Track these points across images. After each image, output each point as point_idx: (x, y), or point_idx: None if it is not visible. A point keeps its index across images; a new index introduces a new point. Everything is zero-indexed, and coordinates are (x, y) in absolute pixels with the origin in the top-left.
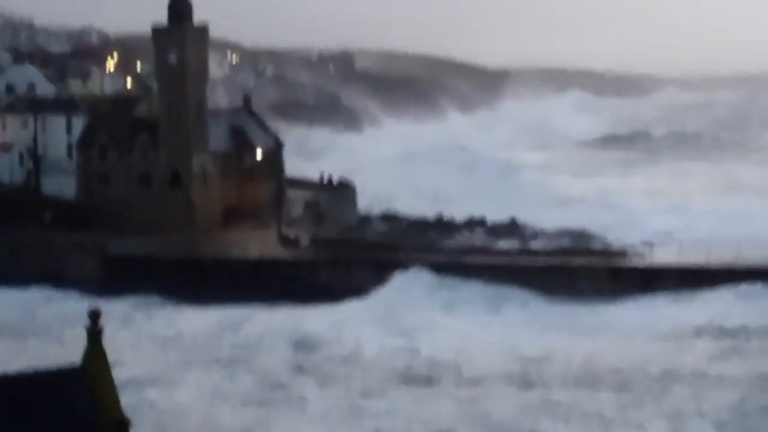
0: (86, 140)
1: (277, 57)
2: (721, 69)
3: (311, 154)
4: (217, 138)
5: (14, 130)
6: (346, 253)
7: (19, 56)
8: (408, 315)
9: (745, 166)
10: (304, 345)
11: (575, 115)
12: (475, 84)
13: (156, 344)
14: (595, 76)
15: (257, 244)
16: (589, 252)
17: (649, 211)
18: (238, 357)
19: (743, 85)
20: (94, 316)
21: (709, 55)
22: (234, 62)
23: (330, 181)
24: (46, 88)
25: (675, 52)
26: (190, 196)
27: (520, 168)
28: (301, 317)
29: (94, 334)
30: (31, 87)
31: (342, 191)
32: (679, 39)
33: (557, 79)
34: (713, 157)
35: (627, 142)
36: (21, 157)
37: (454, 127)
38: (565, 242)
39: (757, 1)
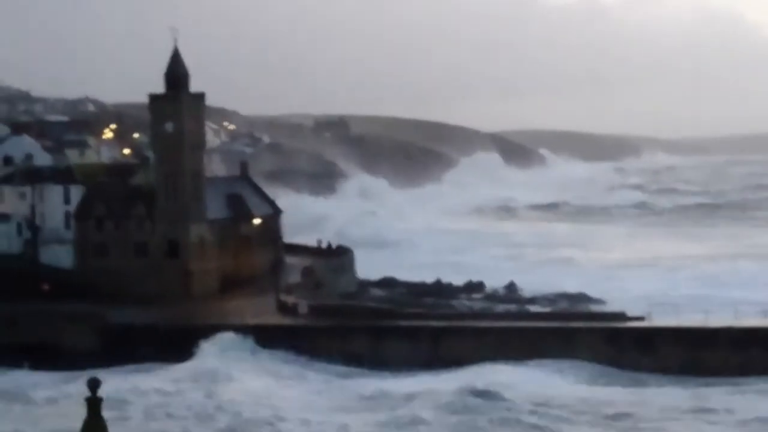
0: (83, 210)
1: (273, 124)
2: (711, 131)
3: (309, 220)
4: (215, 206)
5: (12, 200)
6: (345, 320)
7: (16, 127)
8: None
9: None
10: None
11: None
12: (470, 146)
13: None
14: (586, 138)
15: (255, 311)
16: (588, 315)
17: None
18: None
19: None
20: (94, 384)
21: (697, 118)
22: (231, 130)
23: (328, 247)
24: (43, 159)
25: (663, 116)
26: (187, 265)
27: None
28: None
29: (94, 403)
30: (29, 157)
31: (340, 257)
32: (668, 102)
33: (550, 141)
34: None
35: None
36: (19, 227)
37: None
38: (563, 306)
39: (743, 68)
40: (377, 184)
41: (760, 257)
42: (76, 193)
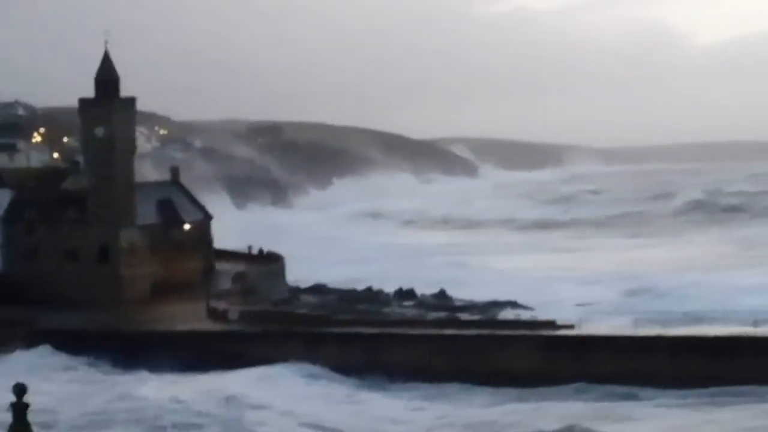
0: (13, 214)
1: (205, 130)
2: (643, 140)
3: (241, 225)
4: (145, 211)
5: None
6: (276, 326)
7: None
8: None
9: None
10: None
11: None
12: (403, 154)
13: None
14: (516, 146)
15: (186, 317)
16: (519, 323)
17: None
18: None
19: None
20: (20, 390)
21: (629, 128)
22: (162, 135)
23: (260, 253)
24: None
25: (595, 125)
26: (118, 270)
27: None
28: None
29: (20, 408)
30: None
31: (271, 263)
32: (599, 111)
33: (480, 148)
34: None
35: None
36: None
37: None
38: (494, 313)
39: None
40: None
41: (673, 269)
42: (5, 197)
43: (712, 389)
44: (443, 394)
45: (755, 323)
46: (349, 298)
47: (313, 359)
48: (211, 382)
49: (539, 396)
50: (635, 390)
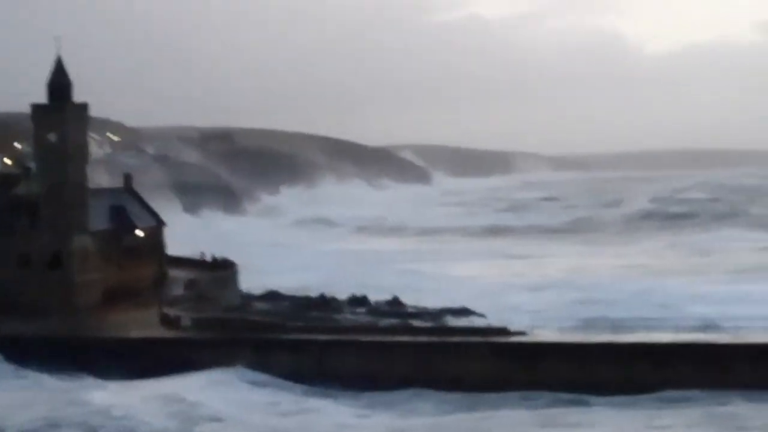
0: None
1: (159, 136)
2: (596, 148)
3: (194, 231)
4: (98, 218)
5: None
6: (228, 332)
7: None
8: None
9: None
10: None
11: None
12: (355, 161)
13: None
14: (467, 153)
15: (138, 323)
16: (471, 330)
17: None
18: None
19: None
20: None
21: (582, 135)
22: (115, 141)
23: (212, 260)
24: None
25: (546, 132)
26: (70, 276)
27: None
28: None
29: None
30: None
31: (223, 270)
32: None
33: (431, 155)
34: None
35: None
36: None
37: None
38: (446, 321)
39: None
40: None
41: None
42: None
43: (660, 394)
44: (393, 401)
45: (703, 329)
46: (301, 305)
47: (265, 366)
48: (161, 389)
49: (490, 403)
50: (585, 396)
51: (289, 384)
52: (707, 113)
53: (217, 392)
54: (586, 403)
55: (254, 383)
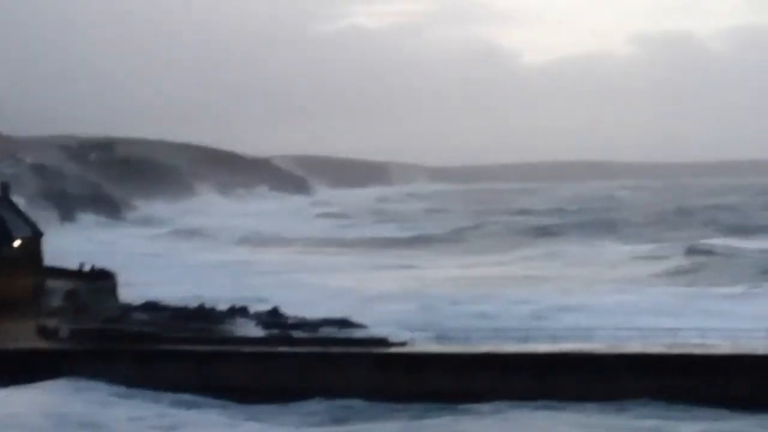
0: None
1: (37, 145)
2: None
3: (72, 242)
4: None
5: None
6: (106, 343)
7: None
8: None
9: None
10: None
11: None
12: (234, 171)
13: None
14: (348, 164)
15: (15, 335)
16: (351, 341)
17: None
18: None
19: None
20: None
21: (465, 146)
22: None
23: (91, 270)
24: None
25: (426, 143)
26: None
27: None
28: None
29: None
30: None
31: (102, 281)
32: (436, 130)
33: (312, 166)
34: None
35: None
36: None
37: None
38: (327, 331)
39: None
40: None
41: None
42: None
43: (538, 403)
44: (263, 412)
45: (581, 339)
46: (181, 315)
47: (143, 377)
48: (32, 399)
49: (362, 414)
50: (465, 406)
51: (167, 395)
52: (585, 125)
53: (90, 403)
54: (467, 412)
55: (125, 395)
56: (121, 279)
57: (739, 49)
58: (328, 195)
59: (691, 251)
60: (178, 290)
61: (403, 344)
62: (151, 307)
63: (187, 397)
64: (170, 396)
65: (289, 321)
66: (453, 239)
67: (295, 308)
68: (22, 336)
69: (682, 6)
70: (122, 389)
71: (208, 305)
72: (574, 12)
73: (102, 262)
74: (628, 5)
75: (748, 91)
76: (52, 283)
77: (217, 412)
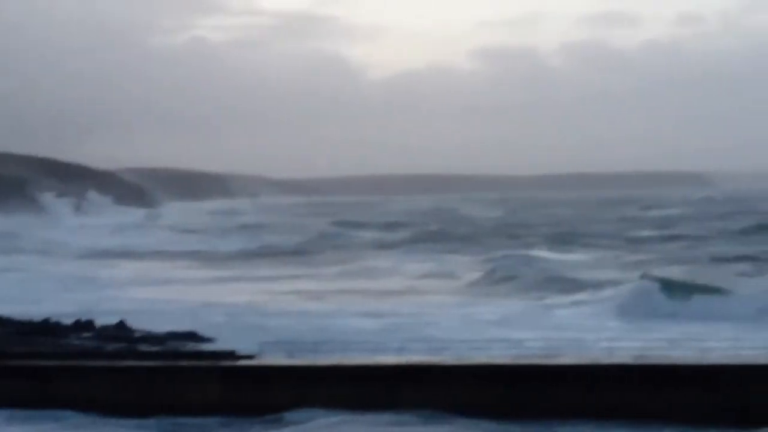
0: None
1: None
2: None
3: None
4: None
5: None
6: None
7: None
8: None
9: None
10: None
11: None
12: (81, 185)
13: None
14: (194, 176)
15: None
16: (199, 355)
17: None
18: None
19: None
20: None
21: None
22: None
23: None
24: None
25: (271, 155)
26: None
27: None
28: None
29: None
30: None
31: None
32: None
33: (158, 178)
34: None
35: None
36: None
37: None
38: (173, 345)
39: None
40: None
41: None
42: None
43: (391, 416)
44: (107, 425)
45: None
46: (24, 330)
47: None
48: None
49: (207, 429)
50: (310, 412)
51: (4, 411)
52: (429, 139)
53: None
54: (311, 419)
55: None
56: None
57: (578, 64)
58: (173, 207)
59: (502, 262)
60: (22, 304)
61: (250, 357)
62: None
63: (24, 413)
64: (7, 412)
65: (136, 335)
66: (296, 251)
67: (142, 321)
68: None
69: (523, 21)
70: None
71: (52, 319)
72: (419, 26)
73: None
74: (471, 20)
75: (587, 105)
76: None
77: (52, 428)
